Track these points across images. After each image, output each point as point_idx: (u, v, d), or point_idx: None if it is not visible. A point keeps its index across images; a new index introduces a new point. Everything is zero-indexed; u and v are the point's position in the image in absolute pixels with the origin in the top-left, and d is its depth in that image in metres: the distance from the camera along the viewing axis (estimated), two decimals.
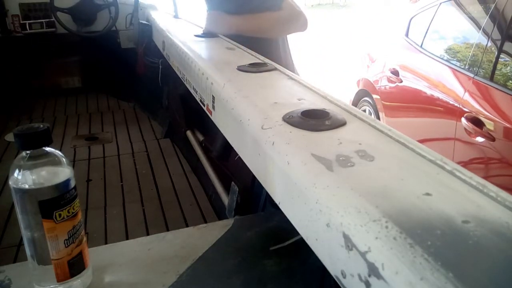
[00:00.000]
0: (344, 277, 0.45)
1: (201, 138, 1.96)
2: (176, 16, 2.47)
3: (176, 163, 2.12)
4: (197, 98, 1.26)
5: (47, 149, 0.60)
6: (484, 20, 2.24)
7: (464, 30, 2.53)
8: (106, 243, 1.37)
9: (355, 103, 3.52)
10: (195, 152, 1.91)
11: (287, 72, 1.06)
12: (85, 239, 0.65)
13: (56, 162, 0.60)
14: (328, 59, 7.43)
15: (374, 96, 3.21)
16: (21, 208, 0.59)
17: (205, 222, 1.53)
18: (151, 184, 1.91)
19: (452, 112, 2.25)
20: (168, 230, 1.51)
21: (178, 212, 1.69)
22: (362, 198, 0.46)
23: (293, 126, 0.69)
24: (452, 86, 2.37)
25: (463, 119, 2.12)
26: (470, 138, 2.08)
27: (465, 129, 2.10)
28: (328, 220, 0.47)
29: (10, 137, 2.39)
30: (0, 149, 2.26)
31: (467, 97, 2.18)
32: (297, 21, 1.49)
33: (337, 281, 0.46)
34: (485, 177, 0.50)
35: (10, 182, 0.58)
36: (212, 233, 0.81)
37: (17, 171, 0.58)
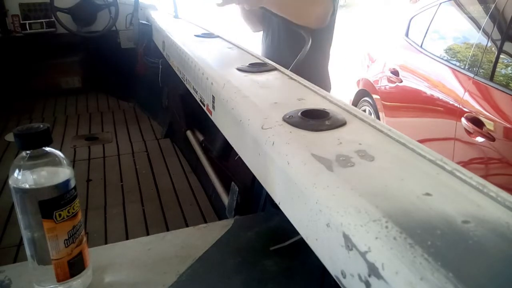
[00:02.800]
0: (344, 277, 0.45)
1: (201, 138, 1.96)
2: (176, 16, 2.47)
3: (176, 163, 2.12)
4: (197, 98, 1.26)
5: (47, 149, 0.60)
6: (484, 20, 2.24)
7: (464, 30, 2.53)
8: (106, 243, 1.37)
9: (355, 103, 3.52)
10: (195, 152, 1.91)
11: (287, 72, 1.06)
12: (85, 239, 0.65)
13: (56, 162, 0.60)
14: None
15: (374, 96, 3.21)
16: (21, 208, 0.59)
17: (205, 222, 1.53)
18: (151, 184, 1.91)
19: (452, 112, 2.25)
20: (168, 230, 1.51)
21: (178, 212, 1.69)
22: (362, 198, 0.46)
23: (293, 126, 0.68)
24: (452, 86, 2.37)
25: (463, 119, 2.12)
26: (470, 138, 2.08)
27: (465, 129, 2.10)
28: (328, 220, 0.47)
29: (10, 137, 2.39)
30: (0, 149, 2.26)
31: (467, 97, 2.18)
32: (314, 7, 1.44)
33: (337, 281, 0.46)
34: (485, 177, 0.50)
35: (10, 182, 0.58)
36: (212, 233, 0.81)
37: (17, 171, 0.58)
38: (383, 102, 3.07)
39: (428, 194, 0.47)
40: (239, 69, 1.10)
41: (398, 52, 3.07)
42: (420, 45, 2.83)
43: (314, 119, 0.70)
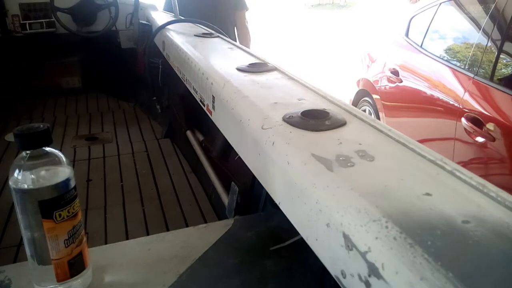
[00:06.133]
0: (344, 277, 0.45)
1: (201, 138, 1.96)
2: (176, 16, 2.47)
3: (176, 163, 2.12)
4: (197, 98, 1.26)
5: (47, 149, 0.60)
6: (484, 20, 2.24)
7: (464, 30, 2.53)
8: (106, 243, 1.37)
9: (355, 103, 3.52)
10: (195, 152, 1.91)
11: (287, 72, 1.06)
12: (85, 239, 0.65)
13: (56, 162, 0.60)
14: (328, 59, 7.43)
15: (374, 96, 3.21)
16: (21, 208, 0.59)
17: (205, 222, 1.53)
18: (151, 184, 1.91)
19: (452, 112, 2.25)
20: (168, 230, 1.50)
21: (178, 212, 1.69)
22: (362, 198, 0.46)
23: (293, 126, 0.69)
24: (452, 86, 2.37)
25: (463, 119, 2.12)
26: (470, 138, 2.08)
27: (465, 129, 2.10)
28: (328, 220, 0.47)
29: (10, 137, 2.39)
30: (0, 149, 2.26)
31: (467, 97, 2.18)
32: None
33: (337, 281, 0.46)
34: (485, 177, 0.50)
35: (10, 182, 0.58)
36: (212, 233, 0.81)
37: (17, 171, 0.58)
38: (383, 102, 3.07)
39: (428, 194, 0.47)
40: (239, 69, 1.10)
41: (398, 52, 3.07)
42: (420, 45, 2.83)
43: (314, 119, 0.70)
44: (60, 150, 0.62)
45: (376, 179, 0.51)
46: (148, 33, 2.52)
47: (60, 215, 0.59)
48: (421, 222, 0.42)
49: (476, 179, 0.50)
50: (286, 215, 0.60)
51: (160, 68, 2.41)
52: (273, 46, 8.25)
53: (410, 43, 2.96)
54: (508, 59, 2.11)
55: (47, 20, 2.90)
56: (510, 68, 2.13)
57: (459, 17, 2.62)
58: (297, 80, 0.99)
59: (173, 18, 2.42)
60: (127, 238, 1.49)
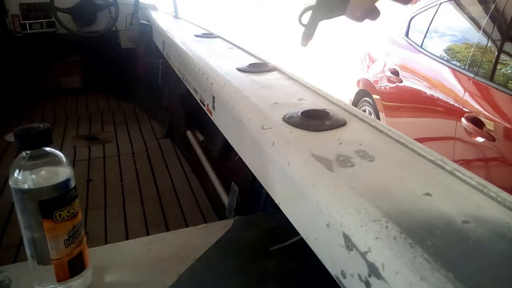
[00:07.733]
0: (344, 277, 0.45)
1: (201, 138, 1.96)
2: (176, 16, 2.47)
3: (176, 163, 2.12)
4: (197, 98, 1.26)
5: (47, 149, 0.60)
6: (484, 20, 2.24)
7: (464, 30, 2.53)
8: (106, 243, 1.37)
9: (355, 103, 3.52)
10: (195, 152, 1.91)
11: (287, 72, 1.06)
12: (85, 239, 0.65)
13: (56, 162, 0.60)
14: (328, 59, 7.43)
15: (374, 96, 3.21)
16: (21, 208, 0.59)
17: (205, 222, 1.53)
18: (151, 184, 1.91)
19: (452, 112, 2.25)
20: (168, 230, 1.51)
21: (178, 212, 1.69)
22: (362, 198, 0.46)
23: (293, 126, 0.69)
24: (452, 86, 2.37)
25: (463, 119, 2.12)
26: (470, 138, 2.08)
27: (465, 129, 2.10)
28: (328, 220, 0.47)
29: (10, 137, 2.39)
30: (0, 149, 2.26)
31: (467, 97, 2.18)
32: None
33: (337, 281, 0.46)
34: (485, 177, 0.50)
35: (10, 182, 0.58)
36: (212, 233, 0.81)
37: (17, 171, 0.58)
38: (383, 102, 3.07)
39: (428, 194, 0.47)
40: (239, 69, 1.10)
41: (398, 52, 3.07)
42: (420, 45, 2.83)
43: (314, 119, 0.70)
44: (60, 150, 0.62)
45: (376, 179, 0.51)
46: (148, 33, 2.52)
47: (60, 215, 0.59)
48: (421, 222, 0.42)
49: (476, 179, 0.50)
50: (286, 215, 0.60)
51: (160, 68, 2.41)
52: (273, 46, 8.25)
53: (410, 43, 2.96)
54: (508, 59, 2.11)
55: (47, 20, 2.90)
56: (510, 68, 2.13)
57: (459, 17, 2.62)
58: (297, 80, 0.99)
59: (173, 18, 2.43)
60: (127, 238, 1.49)
